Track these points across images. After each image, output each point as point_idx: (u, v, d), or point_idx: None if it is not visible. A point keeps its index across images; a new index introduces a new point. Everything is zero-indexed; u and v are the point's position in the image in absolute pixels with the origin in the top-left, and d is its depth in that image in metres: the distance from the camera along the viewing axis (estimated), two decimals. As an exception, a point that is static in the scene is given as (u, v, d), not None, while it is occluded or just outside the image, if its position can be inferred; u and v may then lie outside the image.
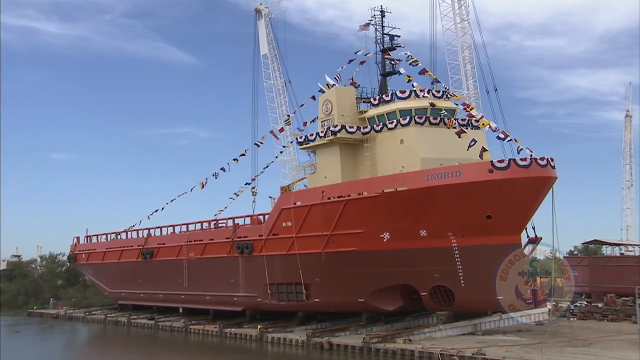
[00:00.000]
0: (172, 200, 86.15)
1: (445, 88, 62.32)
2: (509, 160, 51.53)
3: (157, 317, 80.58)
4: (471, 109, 59.47)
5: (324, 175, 63.23)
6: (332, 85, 65.11)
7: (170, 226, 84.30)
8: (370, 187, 56.47)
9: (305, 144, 65.71)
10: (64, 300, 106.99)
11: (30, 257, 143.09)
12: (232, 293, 69.83)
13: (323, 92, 66.30)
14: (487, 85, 63.56)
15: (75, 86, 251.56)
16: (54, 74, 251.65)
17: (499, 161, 51.64)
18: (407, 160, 57.14)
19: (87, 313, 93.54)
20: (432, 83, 62.25)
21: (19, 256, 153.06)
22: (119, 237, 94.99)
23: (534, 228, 60.33)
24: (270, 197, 68.97)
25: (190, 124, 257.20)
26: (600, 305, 72.70)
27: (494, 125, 58.92)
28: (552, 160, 53.03)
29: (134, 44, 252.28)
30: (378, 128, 60.58)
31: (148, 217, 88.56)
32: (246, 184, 75.87)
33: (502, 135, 58.42)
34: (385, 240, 55.84)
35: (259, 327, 62.93)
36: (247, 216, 72.22)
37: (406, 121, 58.32)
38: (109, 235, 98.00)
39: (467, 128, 59.36)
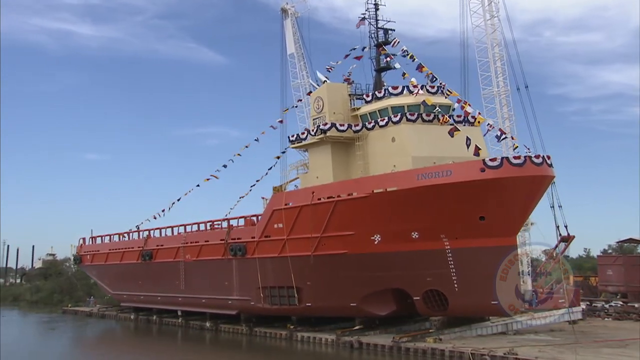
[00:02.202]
0: (178, 200, 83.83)
1: (442, 84, 59.84)
2: (502, 158, 49.10)
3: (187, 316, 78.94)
4: (467, 105, 57.24)
5: (316, 175, 61.26)
6: (324, 82, 62.96)
7: (169, 227, 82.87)
8: (359, 188, 54.30)
9: (297, 143, 63.73)
10: (97, 299, 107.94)
11: (64, 255, 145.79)
12: (227, 296, 68.09)
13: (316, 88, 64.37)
14: (517, 82, 62.22)
15: (108, 87, 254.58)
16: (88, 75, 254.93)
17: (491, 159, 49.21)
18: (399, 159, 54.88)
19: (119, 311, 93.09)
20: (430, 79, 59.72)
21: (53, 255, 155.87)
22: (121, 238, 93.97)
23: (566, 226, 58.97)
24: (263, 198, 67.07)
25: (221, 123, 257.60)
26: (636, 305, 70.29)
27: (491, 122, 56.76)
28: (548, 158, 50.41)
29: (166, 45, 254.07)
30: (370, 126, 58.40)
31: (154, 217, 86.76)
32: (252, 186, 74.21)
33: (499, 133, 56.40)
34: (376, 242, 53.64)
35: (288, 325, 61.45)
36: (241, 217, 70.44)
37: (397, 118, 56.04)
38: (112, 237, 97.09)
39: (463, 125, 57.32)
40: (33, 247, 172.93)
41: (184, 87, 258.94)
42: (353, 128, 59.04)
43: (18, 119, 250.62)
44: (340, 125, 59.00)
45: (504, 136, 55.06)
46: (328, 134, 58.70)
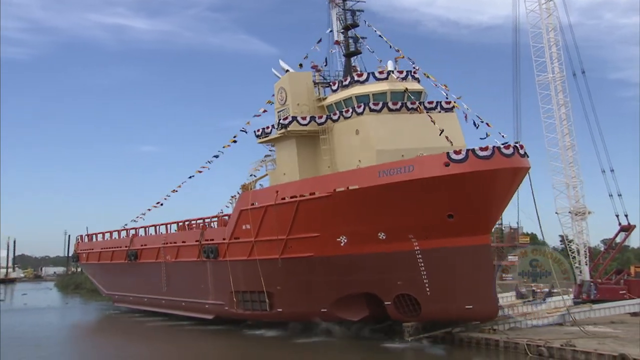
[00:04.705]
0: (174, 191, 78.15)
1: (415, 68, 55.23)
2: (467, 150, 44.59)
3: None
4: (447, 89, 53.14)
5: (283, 171, 57.35)
6: (287, 71, 58.66)
7: (151, 226, 79.96)
8: (321, 186, 50.33)
9: (264, 138, 59.70)
10: None
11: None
12: (203, 300, 64.97)
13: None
14: (573, 68, 59.69)
15: (162, 80, 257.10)
16: (142, 69, 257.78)
17: (455, 152, 44.66)
18: (363, 153, 50.76)
19: None
20: (396, 61, 55.29)
21: None
22: (112, 236, 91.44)
23: (626, 215, 57.68)
24: (232, 197, 63.26)
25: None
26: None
27: (465, 107, 52.26)
28: (521, 147, 45.75)
29: (218, 37, 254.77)
30: (335, 117, 54.12)
31: (149, 210, 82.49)
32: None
33: (476, 119, 52.00)
34: (342, 244, 49.89)
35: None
36: (215, 217, 66.98)
37: (361, 109, 51.68)
38: (104, 235, 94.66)
39: (438, 111, 52.97)
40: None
41: (236, 79, 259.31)
42: (317, 120, 54.78)
43: (77, 113, 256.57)
44: (302, 118, 54.82)
45: (476, 124, 50.43)
46: (289, 128, 54.64)
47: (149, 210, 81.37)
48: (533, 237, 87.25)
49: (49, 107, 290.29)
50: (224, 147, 68.87)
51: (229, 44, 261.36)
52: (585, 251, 59.52)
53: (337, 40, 60.44)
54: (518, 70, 59.34)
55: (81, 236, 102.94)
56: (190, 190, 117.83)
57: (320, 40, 62.13)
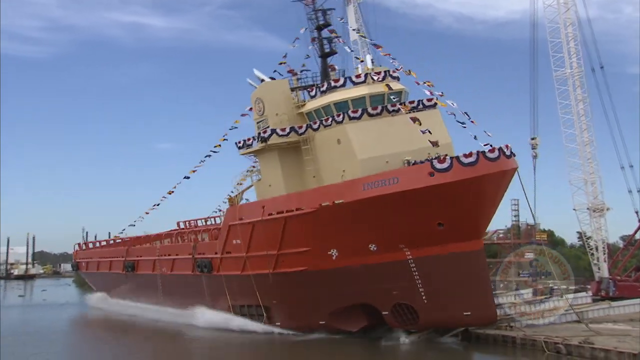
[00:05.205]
0: (171, 191, 75.26)
1: (397, 68, 53.22)
2: (451, 159, 43.25)
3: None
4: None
5: (268, 183, 55.96)
6: (262, 81, 56.74)
7: (145, 235, 78.92)
8: (307, 201, 49.21)
9: (245, 149, 58.11)
10: None
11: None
12: None
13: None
14: (592, 63, 59.89)
15: (179, 78, 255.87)
16: (160, 66, 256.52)
17: (439, 161, 43.29)
18: (347, 162, 49.35)
19: None
20: (372, 62, 53.41)
21: None
22: (109, 244, 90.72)
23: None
24: (220, 210, 62.06)
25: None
26: None
27: (453, 105, 50.53)
28: (507, 147, 44.33)
29: (234, 35, 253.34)
30: (315, 126, 52.50)
31: (147, 212, 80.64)
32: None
33: (461, 118, 50.40)
34: (334, 257, 48.97)
35: None
36: (206, 229, 65.81)
37: (341, 117, 50.10)
38: (101, 243, 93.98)
39: (422, 109, 51.25)
40: (109, 233, 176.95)
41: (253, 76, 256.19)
42: (297, 130, 53.10)
43: (94, 111, 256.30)
44: (282, 130, 53.11)
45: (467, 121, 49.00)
46: (270, 141, 53.05)
47: (147, 213, 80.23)
48: (550, 233, 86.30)
49: (65, 105, 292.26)
50: (215, 146, 67.38)
51: (246, 40, 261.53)
52: (603, 248, 58.95)
53: (313, 38, 58.58)
54: (535, 66, 58.87)
55: (79, 244, 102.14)
56: (186, 190, 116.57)
57: (297, 38, 60.14)
